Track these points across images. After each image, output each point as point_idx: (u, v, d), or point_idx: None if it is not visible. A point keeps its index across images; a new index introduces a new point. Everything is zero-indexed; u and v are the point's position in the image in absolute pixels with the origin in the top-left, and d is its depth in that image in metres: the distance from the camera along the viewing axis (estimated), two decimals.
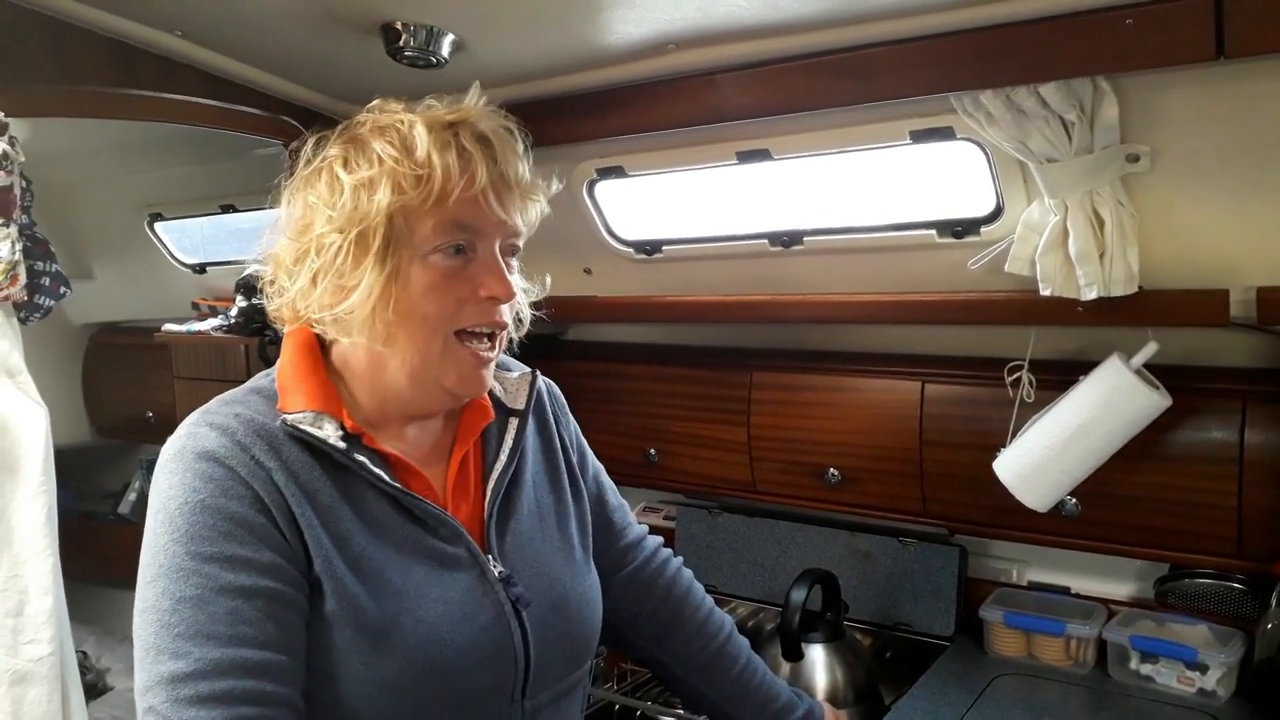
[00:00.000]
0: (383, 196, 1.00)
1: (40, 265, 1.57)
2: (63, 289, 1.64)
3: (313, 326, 1.08)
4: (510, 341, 1.18)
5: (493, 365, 1.11)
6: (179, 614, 0.92)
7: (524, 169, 1.07)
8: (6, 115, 1.45)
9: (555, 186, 1.13)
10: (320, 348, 1.11)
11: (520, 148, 1.08)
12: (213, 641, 0.91)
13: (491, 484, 1.14)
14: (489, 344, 1.08)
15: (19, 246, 1.41)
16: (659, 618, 1.37)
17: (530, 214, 1.10)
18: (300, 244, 1.05)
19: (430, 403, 1.10)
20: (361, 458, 1.02)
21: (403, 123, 1.03)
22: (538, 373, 1.26)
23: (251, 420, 1.01)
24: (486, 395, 1.19)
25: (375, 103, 1.08)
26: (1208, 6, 1.20)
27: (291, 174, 1.08)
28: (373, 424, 1.08)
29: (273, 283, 1.09)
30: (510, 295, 1.07)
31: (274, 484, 0.98)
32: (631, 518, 1.40)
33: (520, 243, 1.11)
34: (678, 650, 1.38)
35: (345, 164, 1.03)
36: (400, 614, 0.99)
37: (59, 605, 1.46)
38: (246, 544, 0.95)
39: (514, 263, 1.11)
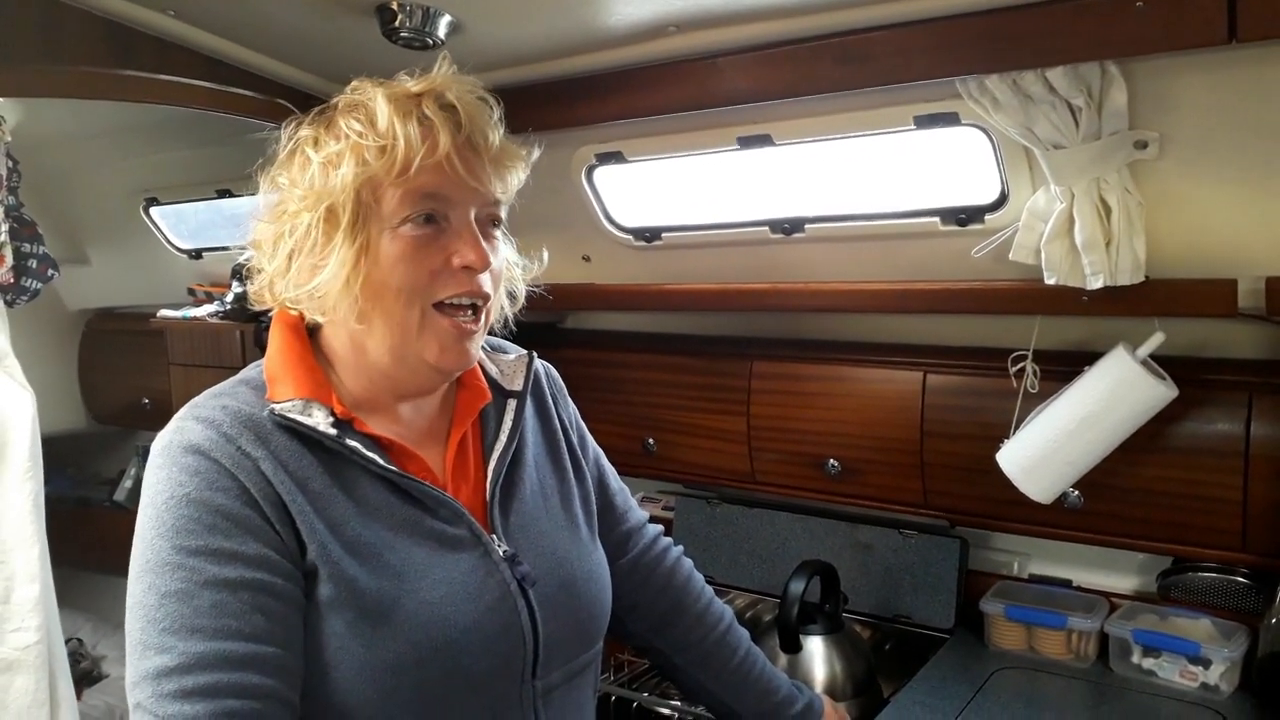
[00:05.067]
0: (347, 170, 1.00)
1: (27, 247, 1.55)
2: (50, 271, 1.62)
3: (289, 308, 1.07)
4: (506, 321, 1.17)
5: (477, 339, 1.08)
6: (164, 609, 0.91)
7: (494, 135, 1.05)
8: None
9: (534, 154, 1.11)
10: (309, 335, 1.10)
11: (493, 115, 1.06)
12: (197, 635, 0.90)
13: (492, 464, 1.13)
14: (471, 315, 1.06)
15: (5, 228, 1.39)
16: (659, 606, 1.37)
17: (508, 181, 1.08)
18: (276, 225, 1.05)
19: (417, 380, 1.09)
20: (353, 443, 1.01)
21: (369, 98, 1.02)
22: (535, 354, 1.25)
23: (239, 411, 1.00)
24: (482, 377, 1.18)
25: (353, 83, 1.06)
26: None
27: (272, 158, 1.08)
28: (364, 408, 1.08)
29: (257, 268, 1.08)
30: (485, 263, 1.03)
31: (261, 474, 0.97)
32: (633, 503, 1.39)
33: (501, 212, 1.09)
34: (677, 640, 1.38)
35: (315, 143, 1.04)
36: (401, 595, 0.98)
37: (46, 593, 1.45)
38: (232, 536, 0.94)
39: (496, 233, 1.09)
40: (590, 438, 1.34)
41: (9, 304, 1.48)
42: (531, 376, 1.22)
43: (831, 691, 1.81)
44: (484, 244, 1.04)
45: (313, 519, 0.97)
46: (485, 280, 1.06)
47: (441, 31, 1.50)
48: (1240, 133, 1.36)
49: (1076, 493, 1.79)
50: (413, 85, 1.03)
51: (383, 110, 1.00)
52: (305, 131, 1.05)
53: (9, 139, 1.41)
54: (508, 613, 1.04)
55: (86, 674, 3.18)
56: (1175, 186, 1.46)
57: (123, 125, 2.46)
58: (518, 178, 1.10)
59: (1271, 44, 1.21)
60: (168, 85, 1.71)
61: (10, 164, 1.46)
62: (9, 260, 1.39)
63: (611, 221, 2.09)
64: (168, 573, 0.92)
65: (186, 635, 0.90)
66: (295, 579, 0.96)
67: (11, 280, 1.42)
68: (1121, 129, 1.40)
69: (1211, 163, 1.41)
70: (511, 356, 1.25)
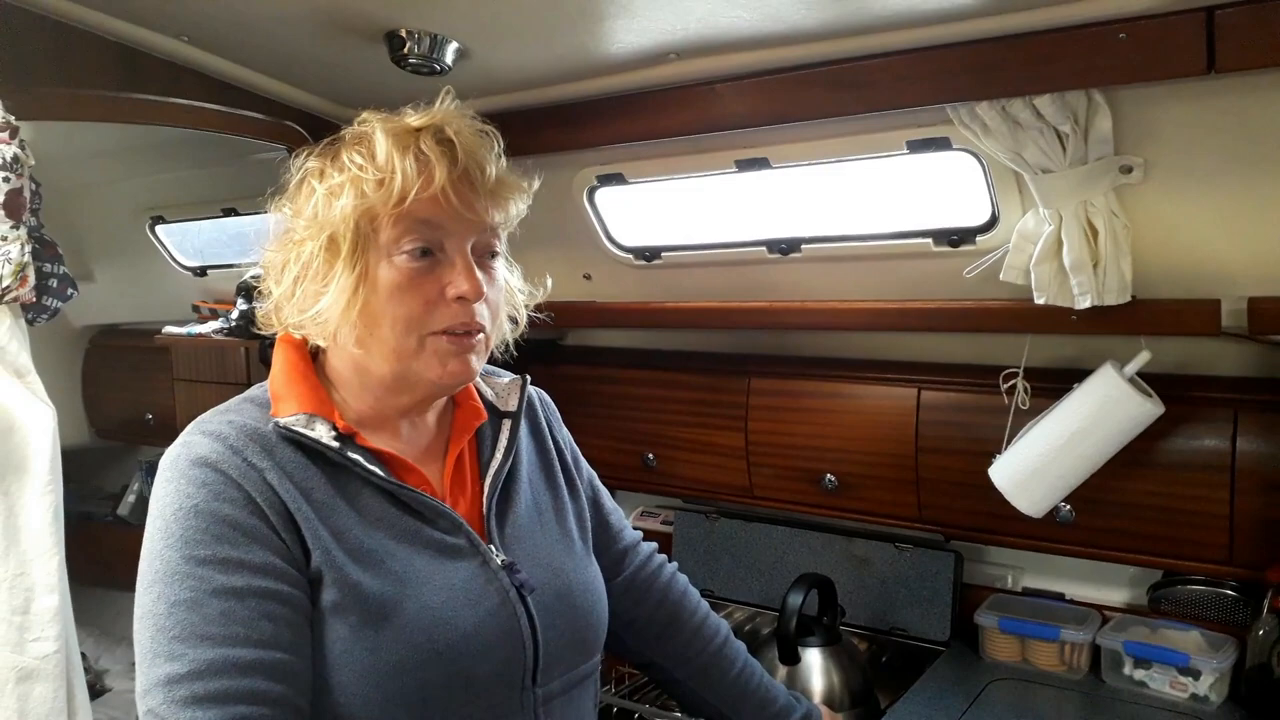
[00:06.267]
0: (347, 201, 1.03)
1: (48, 267, 1.59)
2: (70, 290, 1.66)
3: (294, 332, 1.11)
4: (506, 345, 1.20)
5: (478, 352, 1.10)
6: (173, 617, 0.94)
7: (492, 168, 1.08)
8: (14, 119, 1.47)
9: (535, 184, 1.14)
10: (312, 357, 1.14)
11: (493, 148, 1.09)
12: (207, 642, 0.93)
13: (489, 479, 1.16)
14: (468, 337, 1.08)
15: (28, 248, 1.43)
16: (656, 621, 1.39)
17: (507, 211, 1.11)
18: (284, 253, 1.09)
19: (420, 398, 1.12)
20: (355, 455, 1.05)
21: (371, 131, 1.06)
22: (528, 377, 1.29)
23: (244, 425, 1.03)
24: (478, 398, 1.22)
25: (361, 115, 1.10)
26: (1199, 22, 1.23)
27: (283, 186, 1.12)
28: (365, 425, 1.11)
29: (266, 292, 1.12)
30: (479, 293, 1.06)
31: (267, 483, 1.00)
32: (626, 523, 1.42)
33: (498, 244, 1.12)
34: (676, 653, 1.40)
35: (321, 175, 1.08)
36: (403, 599, 1.01)
37: (65, 603, 1.47)
38: (239, 545, 0.97)
39: (495, 264, 1.12)
40: (584, 460, 1.37)
41: (30, 322, 1.51)
42: (525, 397, 1.26)
43: (829, 703, 1.83)
44: (479, 274, 1.07)
45: (317, 526, 1.00)
46: (480, 310, 1.08)
47: (449, 58, 1.53)
48: (1221, 158, 1.40)
49: (1068, 507, 1.82)
50: (413, 120, 1.07)
51: (382, 144, 1.04)
52: (312, 163, 1.09)
53: (33, 163, 1.45)
54: (507, 618, 1.07)
55: (90, 688, 3.16)
56: (1160, 209, 1.50)
57: (129, 144, 2.48)
58: (517, 208, 1.13)
59: (1248, 74, 1.26)
60: (179, 108, 1.74)
61: (33, 186, 1.50)
62: (31, 280, 1.43)
63: (612, 241, 2.12)
64: (177, 582, 0.95)
65: (196, 643, 0.92)
66: (301, 585, 0.99)
67: (33, 299, 1.46)
68: (1107, 154, 1.44)
69: (1194, 187, 1.45)
70: (506, 380, 1.28)
